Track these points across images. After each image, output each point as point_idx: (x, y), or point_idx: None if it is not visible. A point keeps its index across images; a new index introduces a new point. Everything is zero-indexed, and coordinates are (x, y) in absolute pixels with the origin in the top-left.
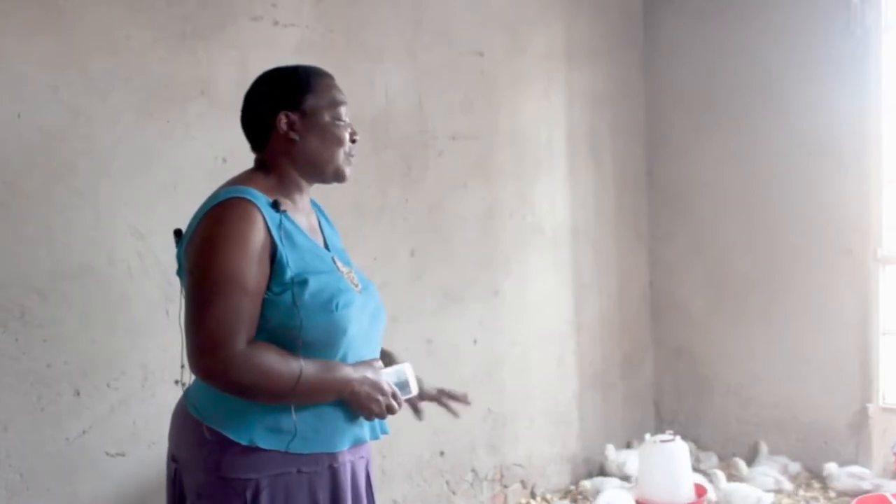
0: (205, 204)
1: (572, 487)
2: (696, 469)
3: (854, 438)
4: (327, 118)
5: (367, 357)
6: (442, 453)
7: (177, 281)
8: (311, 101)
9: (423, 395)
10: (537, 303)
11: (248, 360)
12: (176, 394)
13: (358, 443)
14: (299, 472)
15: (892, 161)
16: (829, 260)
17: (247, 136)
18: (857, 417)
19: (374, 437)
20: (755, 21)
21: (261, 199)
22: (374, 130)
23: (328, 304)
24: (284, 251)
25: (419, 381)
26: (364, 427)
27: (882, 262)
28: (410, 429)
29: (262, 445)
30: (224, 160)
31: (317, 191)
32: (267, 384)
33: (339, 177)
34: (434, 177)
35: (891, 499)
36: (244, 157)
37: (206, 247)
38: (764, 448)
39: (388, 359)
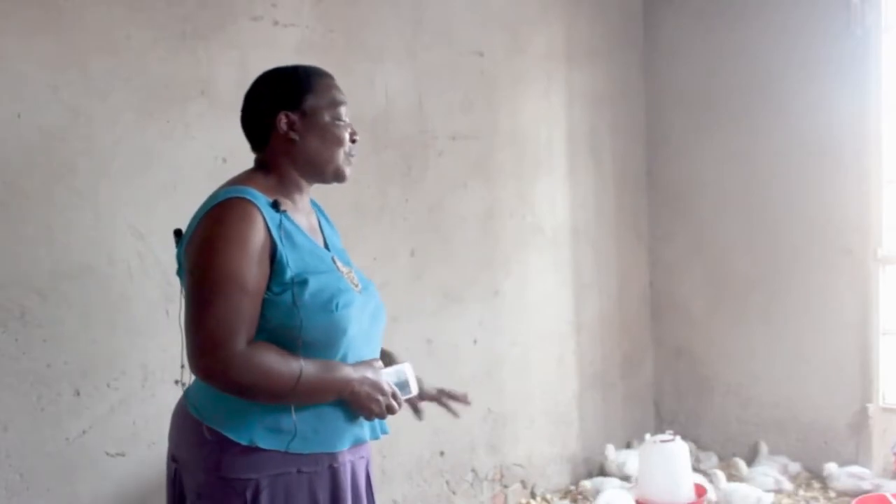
0: (205, 204)
1: (572, 487)
2: (696, 469)
3: (854, 438)
4: (327, 118)
5: (367, 357)
6: (442, 453)
7: (177, 281)
8: (311, 101)
9: (423, 395)
10: (537, 303)
11: (248, 360)
12: (176, 394)
13: (358, 443)
14: (299, 472)
15: (892, 161)
16: (829, 260)
17: (247, 136)
18: (857, 417)
19: (375, 437)
20: (755, 21)
21: (261, 199)
22: (374, 130)
23: (328, 304)
24: (284, 251)
25: (419, 381)
26: (364, 427)
27: (882, 262)
28: (410, 429)
29: (262, 445)
30: (224, 160)
31: (317, 191)
32: (267, 384)
33: (339, 177)
34: (434, 177)
35: (891, 499)
36: (244, 157)
37: (206, 247)
38: (764, 448)
39: (388, 359)
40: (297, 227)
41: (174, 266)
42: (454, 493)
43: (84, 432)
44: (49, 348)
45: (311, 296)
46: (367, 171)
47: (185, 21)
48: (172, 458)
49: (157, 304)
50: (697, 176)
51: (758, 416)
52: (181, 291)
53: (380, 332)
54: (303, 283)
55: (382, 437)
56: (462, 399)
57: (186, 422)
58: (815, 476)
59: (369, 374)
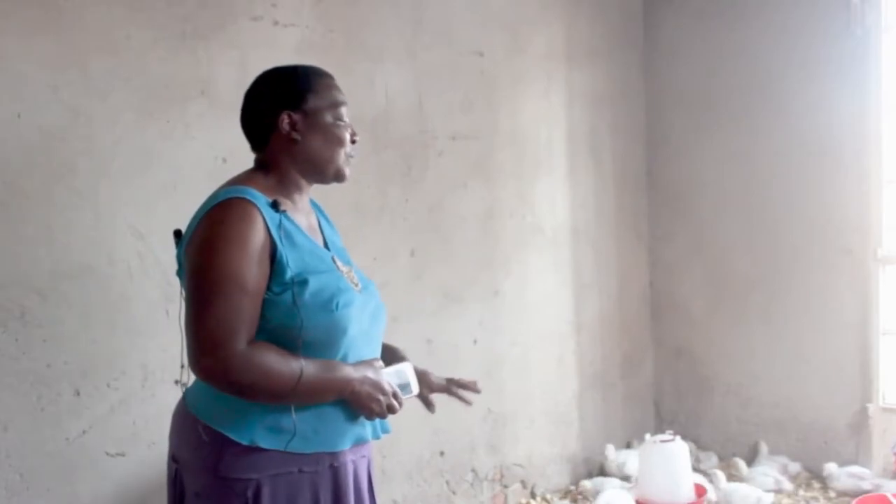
0: (204, 204)
1: (572, 487)
2: (696, 469)
3: (854, 438)
4: (329, 118)
5: (367, 356)
6: (442, 453)
7: (177, 281)
8: (312, 102)
9: (432, 387)
10: (537, 303)
11: (249, 360)
12: (176, 394)
13: (359, 442)
14: (300, 471)
15: (892, 161)
16: (829, 260)
17: (247, 136)
18: (857, 417)
19: (376, 436)
20: (755, 21)
21: (260, 199)
22: (374, 130)
23: (328, 304)
24: (284, 251)
25: (427, 374)
26: (365, 426)
27: (882, 262)
28: (410, 429)
29: (263, 445)
30: (224, 160)
31: (316, 191)
32: (267, 384)
33: (339, 177)
34: (434, 177)
35: (891, 499)
36: (244, 157)
37: (206, 247)
38: (764, 448)
39: (391, 353)
40: (296, 226)
41: (174, 266)
42: (454, 493)
43: (84, 432)
44: (49, 348)
45: (311, 295)
46: (367, 171)
47: (185, 21)
48: (173, 459)
49: (157, 304)
50: (697, 176)
51: (758, 416)
52: (181, 291)
53: (380, 331)
54: (303, 282)
55: (384, 436)
56: (472, 387)
57: (187, 422)
58: (815, 476)
59: (370, 374)
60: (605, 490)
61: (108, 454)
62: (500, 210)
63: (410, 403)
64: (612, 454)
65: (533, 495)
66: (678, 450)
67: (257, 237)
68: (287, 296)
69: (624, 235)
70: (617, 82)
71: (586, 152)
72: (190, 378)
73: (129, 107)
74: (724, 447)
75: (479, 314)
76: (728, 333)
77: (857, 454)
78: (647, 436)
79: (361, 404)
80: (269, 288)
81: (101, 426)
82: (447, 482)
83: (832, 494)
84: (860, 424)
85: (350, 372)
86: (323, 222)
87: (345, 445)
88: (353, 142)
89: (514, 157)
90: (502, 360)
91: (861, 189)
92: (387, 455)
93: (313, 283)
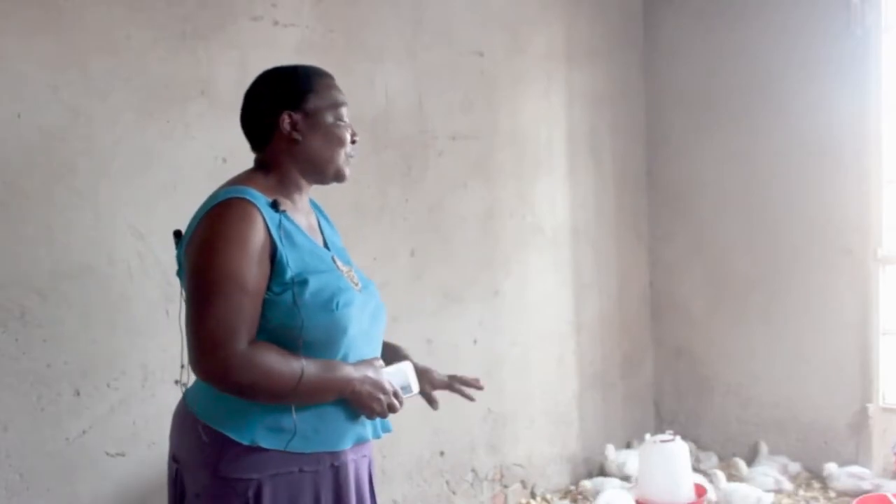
0: (204, 204)
1: (572, 487)
2: (696, 469)
3: (854, 438)
4: (329, 118)
5: (367, 356)
6: (442, 453)
7: (177, 281)
8: (313, 102)
9: (434, 384)
10: (537, 303)
11: (249, 360)
12: (176, 394)
13: (360, 442)
14: (301, 471)
15: (892, 161)
16: (829, 260)
17: (247, 136)
18: (857, 417)
19: (377, 435)
20: (755, 21)
21: (260, 199)
22: (374, 130)
23: (328, 304)
24: (284, 251)
25: (429, 371)
26: (366, 426)
27: (882, 262)
28: (410, 429)
29: (263, 445)
30: (224, 160)
31: (316, 191)
32: (268, 384)
33: (339, 177)
34: (434, 177)
35: (891, 499)
36: (244, 157)
37: (205, 247)
38: (764, 448)
39: (393, 352)
40: (296, 226)
41: (174, 266)
42: (454, 493)
43: (84, 432)
44: (49, 348)
45: (311, 295)
46: (367, 171)
47: (185, 21)
48: (173, 459)
49: (157, 304)
50: (697, 176)
51: (758, 416)
52: (181, 292)
53: (380, 331)
54: (303, 282)
55: (385, 435)
56: (474, 383)
57: (187, 422)
58: (815, 476)
59: (370, 374)
60: (605, 490)
61: (108, 454)
62: (500, 210)
63: (411, 403)
64: (612, 454)
65: (533, 495)
66: (678, 450)
67: (257, 237)
68: (287, 296)
69: (624, 235)
70: (617, 82)
71: (586, 152)
72: (190, 378)
73: (129, 107)
74: (724, 447)
75: (479, 314)
76: (728, 333)
77: (857, 454)
78: (647, 436)
79: (362, 404)
80: (269, 288)
81: (101, 426)
82: (447, 482)
83: (832, 494)
84: (860, 424)
85: (350, 371)
86: (323, 222)
87: (346, 445)
88: (353, 142)
89: (514, 157)
90: (502, 360)
91: (861, 189)
92: (387, 455)
93: (313, 283)
